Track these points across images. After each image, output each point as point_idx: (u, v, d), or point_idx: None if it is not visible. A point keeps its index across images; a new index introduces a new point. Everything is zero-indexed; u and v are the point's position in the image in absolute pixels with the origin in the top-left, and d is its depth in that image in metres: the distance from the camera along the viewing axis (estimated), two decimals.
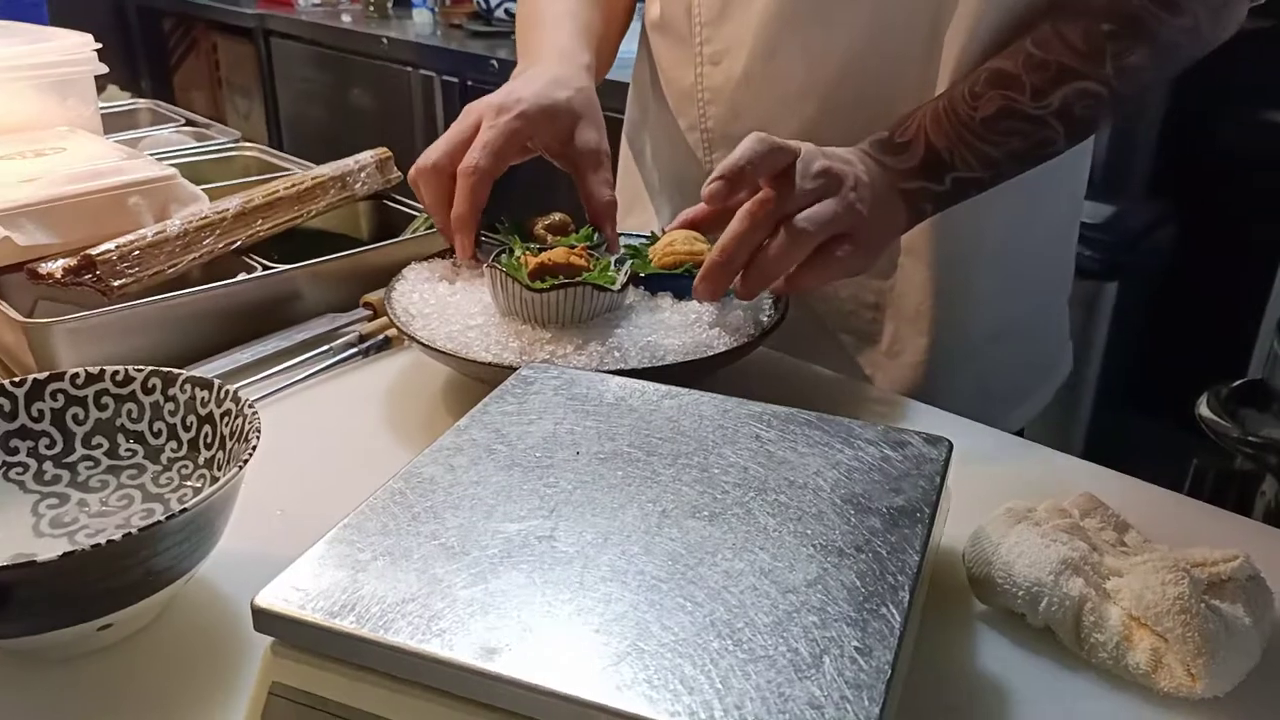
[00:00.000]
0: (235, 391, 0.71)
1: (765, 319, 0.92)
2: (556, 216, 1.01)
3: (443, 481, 0.60)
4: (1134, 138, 2.57)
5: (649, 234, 1.02)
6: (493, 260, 0.90)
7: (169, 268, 1.01)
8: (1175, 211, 2.30)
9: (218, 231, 1.05)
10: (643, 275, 0.93)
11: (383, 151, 1.23)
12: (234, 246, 1.07)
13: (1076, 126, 0.87)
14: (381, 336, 1.01)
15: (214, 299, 1.00)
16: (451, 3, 3.13)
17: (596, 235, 1.03)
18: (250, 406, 0.69)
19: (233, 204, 1.07)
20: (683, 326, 0.88)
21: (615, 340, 0.85)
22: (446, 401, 0.93)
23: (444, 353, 0.85)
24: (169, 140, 1.47)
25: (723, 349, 0.86)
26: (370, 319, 1.05)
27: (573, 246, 0.95)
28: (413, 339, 0.87)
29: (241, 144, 1.43)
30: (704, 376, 0.85)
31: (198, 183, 1.38)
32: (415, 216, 1.20)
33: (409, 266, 1.00)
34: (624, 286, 0.88)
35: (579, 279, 0.87)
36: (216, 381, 0.72)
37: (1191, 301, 2.60)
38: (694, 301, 0.91)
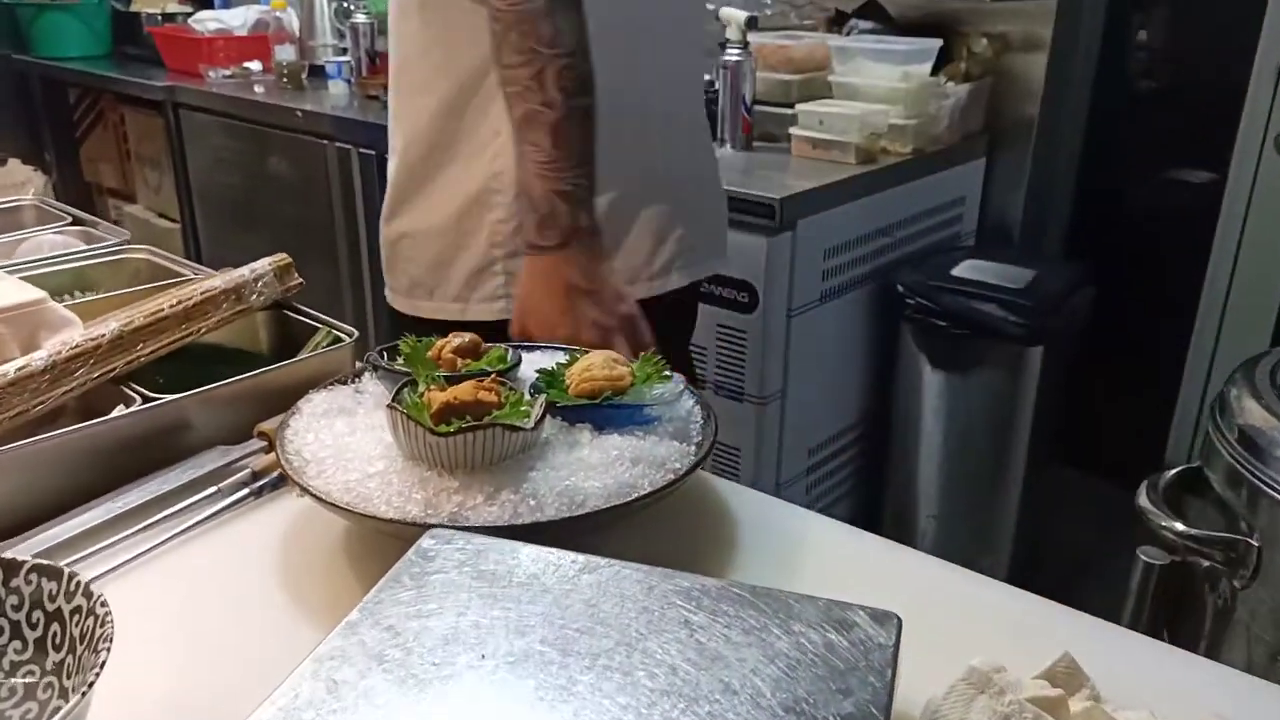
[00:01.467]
0: (87, 585, 0.61)
1: (692, 449, 0.84)
2: (466, 337, 0.93)
3: (323, 707, 0.51)
4: (1049, 201, 2.57)
5: (566, 356, 0.93)
6: (394, 399, 0.81)
7: (34, 406, 0.90)
8: (1093, 273, 2.29)
9: (92, 361, 0.95)
10: (559, 405, 0.85)
11: (281, 259, 1.14)
12: (111, 375, 0.96)
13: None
14: (277, 473, 0.91)
15: (88, 437, 0.89)
16: (368, 74, 3.04)
17: (511, 354, 0.95)
18: (103, 604, 0.59)
19: (110, 328, 0.97)
20: (603, 465, 0.79)
21: (530, 486, 0.76)
22: (348, 551, 0.83)
23: (340, 507, 0.75)
24: (53, 243, 1.36)
25: (647, 489, 0.77)
26: (265, 450, 0.95)
27: (484, 373, 0.87)
28: (306, 490, 0.77)
29: (130, 246, 1.32)
30: (628, 518, 0.77)
31: (84, 288, 1.28)
32: (317, 329, 1.10)
33: (305, 398, 0.91)
34: (538, 423, 0.79)
35: (488, 419, 0.78)
36: (65, 570, 0.62)
37: (1114, 359, 2.59)
38: (615, 434, 0.83)
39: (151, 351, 0.99)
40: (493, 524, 0.73)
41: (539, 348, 1.02)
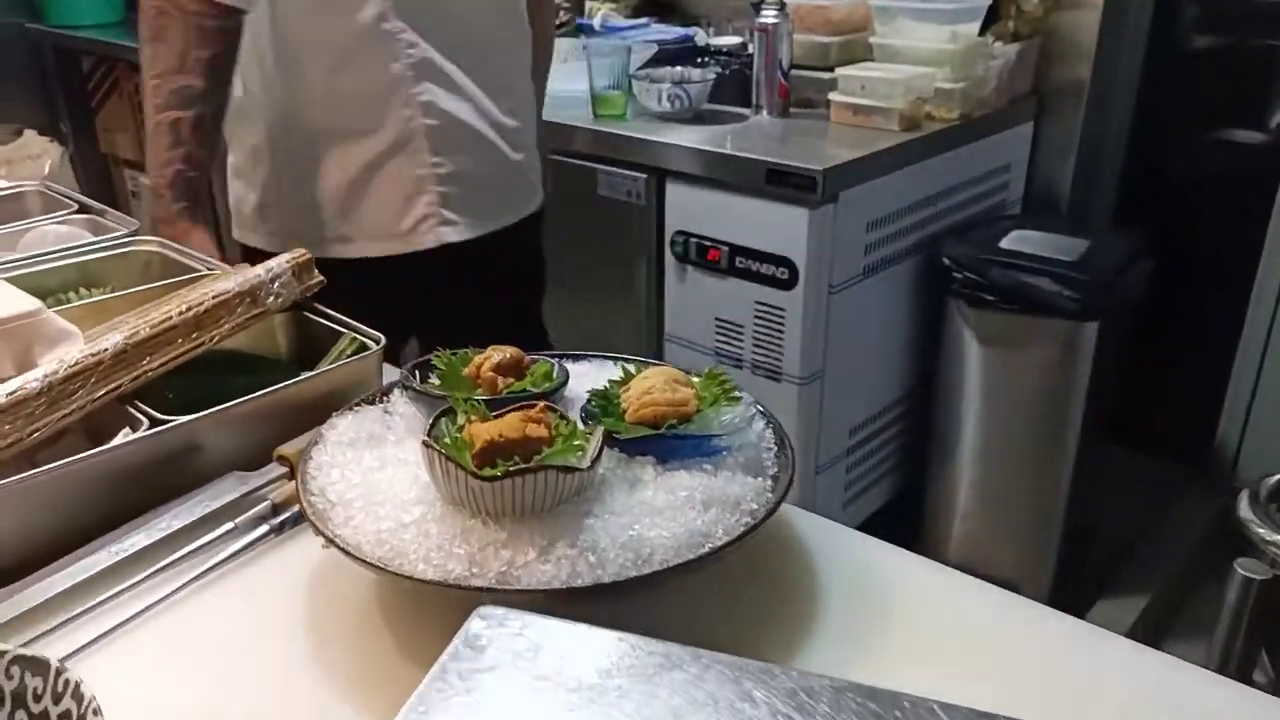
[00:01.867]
0: (77, 686, 0.51)
1: (768, 485, 0.73)
2: (508, 353, 0.81)
3: None
4: (1099, 167, 2.42)
5: (620, 373, 0.82)
6: (428, 433, 0.71)
7: (30, 434, 0.80)
8: (1149, 244, 2.16)
9: (94, 379, 0.84)
10: (618, 436, 0.73)
11: (300, 255, 1.03)
12: (115, 394, 0.86)
13: None
14: (298, 507, 0.80)
15: (90, 468, 0.79)
16: None
17: (556, 369, 0.84)
18: (96, 711, 0.49)
19: (112, 341, 0.86)
20: (671, 509, 0.68)
21: (588, 536, 0.66)
22: (382, 604, 0.73)
23: (374, 565, 0.65)
24: (58, 235, 1.25)
25: (722, 539, 0.67)
26: (287, 477, 0.85)
27: (529, 397, 0.76)
28: (332, 542, 0.67)
29: (139, 238, 1.21)
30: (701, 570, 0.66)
31: (90, 284, 1.17)
32: (341, 334, 1.00)
33: (329, 424, 0.80)
34: (595, 460, 0.68)
35: (538, 460, 0.67)
36: (54, 665, 0.52)
37: (1166, 333, 2.46)
38: (680, 469, 0.72)
39: (160, 365, 0.89)
40: (548, 586, 0.63)
41: (585, 358, 0.90)
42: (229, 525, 0.79)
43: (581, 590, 0.62)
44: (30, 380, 0.81)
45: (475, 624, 0.54)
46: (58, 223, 1.28)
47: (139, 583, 0.74)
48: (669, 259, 2.10)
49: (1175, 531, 2.38)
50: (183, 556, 0.76)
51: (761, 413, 0.80)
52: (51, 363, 0.83)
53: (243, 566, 0.77)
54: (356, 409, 0.82)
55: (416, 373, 0.82)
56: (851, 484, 2.19)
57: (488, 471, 0.65)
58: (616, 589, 0.63)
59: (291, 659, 0.68)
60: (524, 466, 0.65)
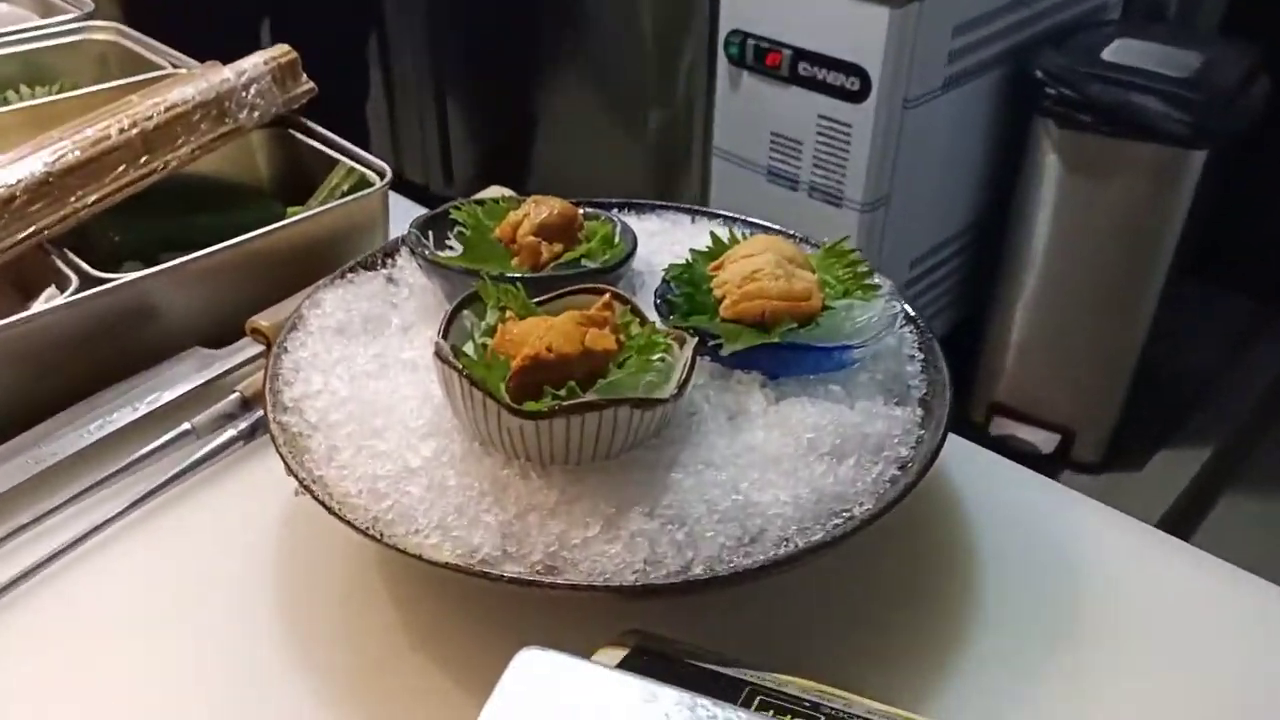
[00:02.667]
0: None
1: (916, 414, 0.51)
2: (554, 208, 0.58)
3: None
4: None
5: (709, 241, 0.59)
6: (444, 332, 0.48)
7: None
8: (1266, 58, 1.84)
9: (3, 220, 0.62)
10: (715, 345, 0.51)
11: (282, 52, 0.78)
12: (36, 239, 0.63)
13: None
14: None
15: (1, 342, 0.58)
16: None
17: (619, 229, 0.60)
18: None
19: (30, 170, 0.63)
20: (790, 457, 0.47)
21: (674, 499, 0.44)
22: (380, 557, 0.52)
23: (366, 532, 0.44)
24: (2, 16, 0.99)
25: (869, 507, 0.46)
26: (263, 355, 0.63)
27: (587, 280, 0.53)
28: (308, 490, 0.46)
29: (93, 23, 0.96)
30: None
31: (33, 80, 0.93)
32: (337, 161, 0.76)
33: (310, 299, 0.58)
34: (683, 387, 0.46)
35: (603, 385, 0.45)
36: None
37: (1271, 163, 2.17)
38: (798, 395, 0.50)
39: (95, 201, 0.66)
40: (617, 579, 0.42)
41: (650, 209, 0.67)
42: (184, 427, 0.58)
43: (668, 588, 0.42)
44: None
45: (513, 683, 0.33)
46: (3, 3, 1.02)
47: (62, 507, 0.54)
48: (721, 61, 1.81)
49: (1249, 378, 2.17)
50: (121, 470, 0.56)
51: (898, 300, 0.57)
52: None
53: (198, 487, 0.57)
54: (351, 277, 0.60)
55: (427, 231, 0.59)
56: None
57: (530, 405, 0.43)
58: (717, 584, 0.42)
59: (256, 627, 0.49)
60: (583, 401, 0.43)
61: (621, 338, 0.49)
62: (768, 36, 1.71)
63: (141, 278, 0.63)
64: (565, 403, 0.43)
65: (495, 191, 0.75)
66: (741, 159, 1.85)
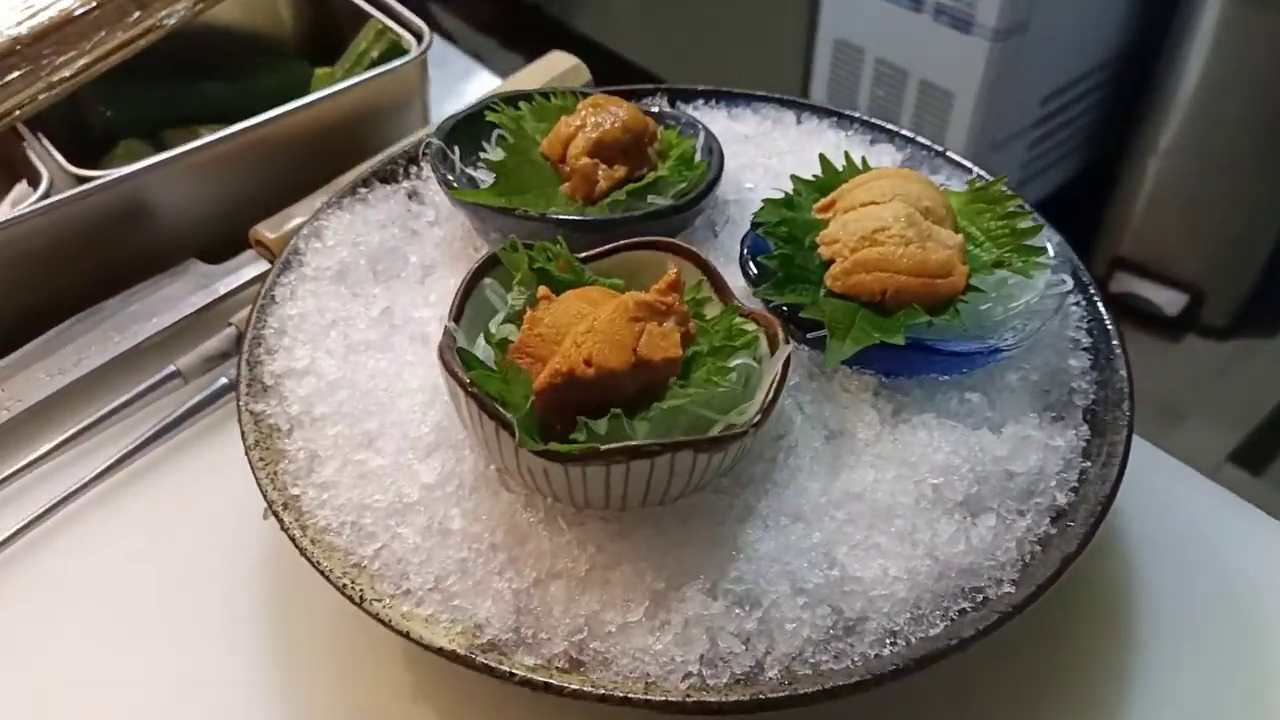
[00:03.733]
0: None
1: (1083, 439, 0.37)
2: (619, 116, 0.43)
3: None
4: None
5: (818, 166, 0.43)
6: (452, 317, 0.35)
7: None
8: None
9: None
10: (811, 335, 0.37)
11: None
12: (6, 122, 0.51)
13: None
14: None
15: None
16: None
17: (702, 142, 0.46)
18: None
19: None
20: (909, 508, 0.34)
21: (746, 572, 0.32)
22: None
23: (343, 591, 0.33)
24: None
25: (1007, 600, 0.33)
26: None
27: (651, 226, 0.39)
28: (278, 518, 0.35)
29: None
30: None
31: None
32: (369, 17, 0.61)
33: (311, 228, 0.45)
34: (767, 409, 0.33)
35: (656, 422, 0.32)
36: None
37: None
38: (927, 413, 0.36)
39: (77, 72, 0.53)
40: (662, 692, 0.31)
41: (746, 101, 0.51)
42: (169, 369, 0.47)
43: (726, 706, 0.30)
44: None
45: None
46: None
47: (24, 470, 0.44)
48: None
49: None
50: (93, 424, 0.46)
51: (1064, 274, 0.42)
52: None
53: (186, 445, 0.46)
54: (363, 193, 0.47)
55: (453, 141, 0.45)
56: (1031, 162, 1.75)
57: (556, 447, 0.31)
58: (797, 702, 0.30)
59: (230, 636, 0.39)
60: (627, 447, 0.31)
61: (692, 326, 0.35)
62: None
63: (129, 174, 0.51)
64: (604, 447, 0.31)
65: (554, 64, 0.60)
66: None
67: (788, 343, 0.34)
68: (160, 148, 0.58)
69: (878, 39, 1.63)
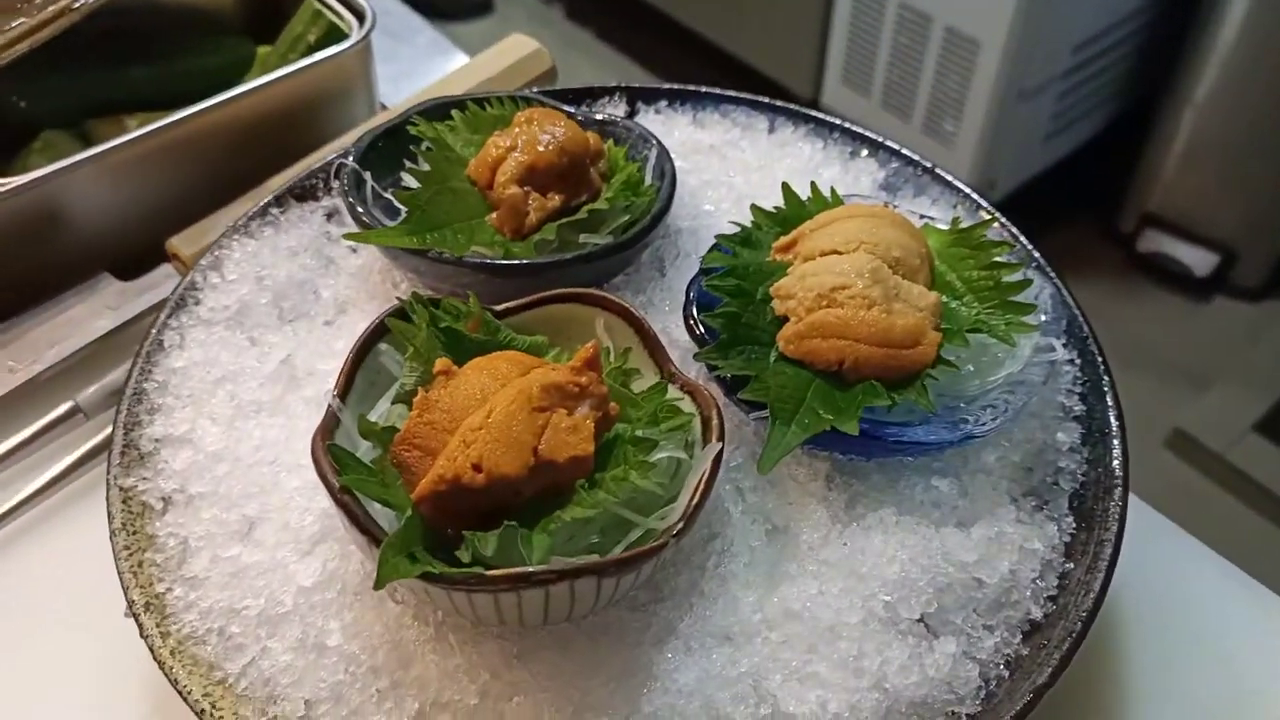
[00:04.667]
0: None
1: (1067, 532, 0.32)
2: (555, 135, 0.37)
3: None
4: None
5: (781, 197, 0.38)
6: (337, 393, 0.30)
7: None
8: None
9: None
10: (755, 416, 0.32)
11: None
12: None
13: None
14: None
15: None
16: None
17: (652, 161, 0.40)
18: None
19: None
20: (856, 629, 0.29)
21: (661, 707, 0.28)
22: None
23: (200, 716, 0.29)
24: None
25: None
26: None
27: (607, 253, 0.34)
28: (138, 622, 0.30)
29: None
30: None
31: None
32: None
33: (212, 258, 0.40)
34: (692, 514, 0.28)
35: (556, 537, 0.27)
36: None
37: None
38: (885, 507, 0.31)
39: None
40: None
41: (714, 103, 0.45)
42: (67, 405, 0.43)
43: None
44: None
45: None
46: None
47: None
48: None
49: None
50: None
51: (1059, 312, 0.36)
52: None
53: (82, 493, 0.42)
54: (276, 213, 0.41)
55: (371, 154, 0.39)
56: (1061, 114, 1.66)
57: (432, 568, 0.26)
58: None
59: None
60: (514, 574, 0.26)
61: (613, 407, 0.30)
62: None
63: (37, 179, 0.45)
64: (488, 573, 0.26)
65: (514, 48, 0.54)
66: None
67: (721, 439, 0.29)
68: (84, 139, 0.53)
69: None
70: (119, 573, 0.31)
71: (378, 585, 0.25)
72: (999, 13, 1.46)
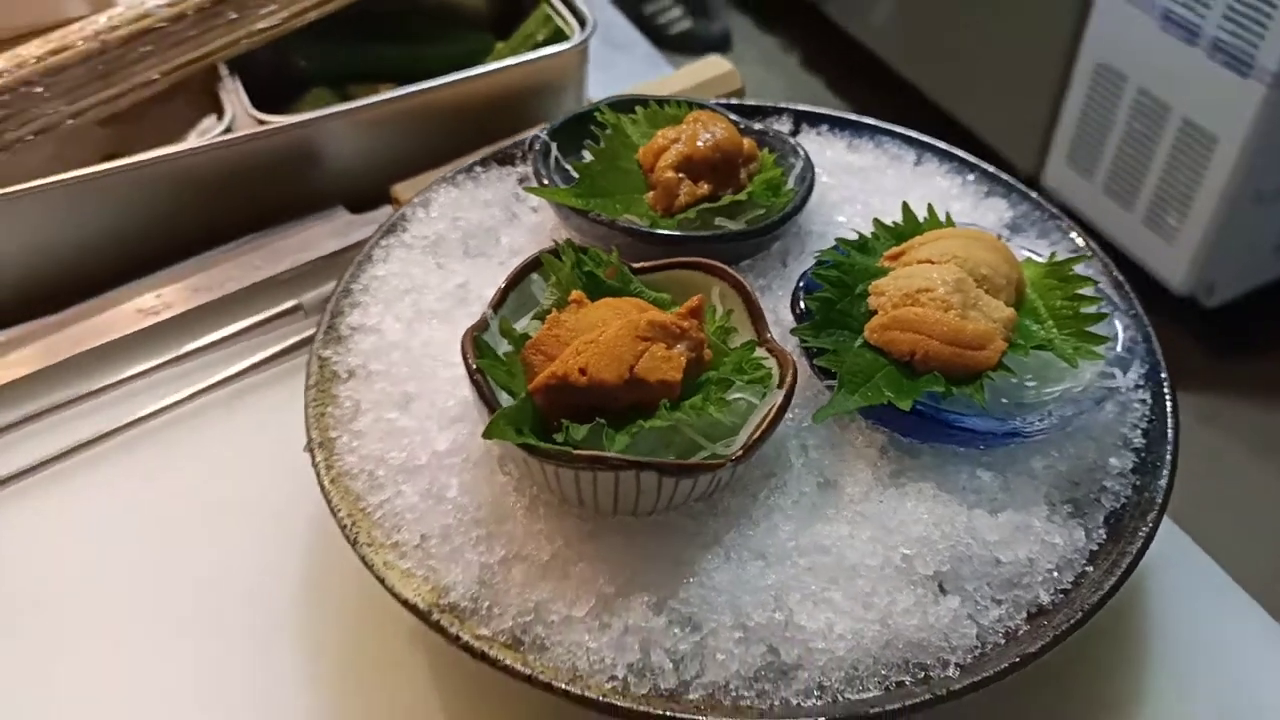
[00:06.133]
0: None
1: (1095, 538, 0.36)
2: (715, 133, 0.45)
3: None
4: None
5: (901, 215, 0.43)
6: (492, 306, 0.38)
7: (69, 115, 0.56)
8: None
9: (170, 41, 0.57)
10: (826, 383, 0.38)
11: None
12: (200, 64, 0.59)
13: None
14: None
15: (145, 177, 0.55)
16: None
17: (797, 170, 0.47)
18: None
19: None
20: (874, 571, 0.34)
21: (695, 595, 0.34)
22: None
23: (344, 530, 0.37)
24: None
25: (945, 682, 0.33)
26: None
27: (704, 249, 0.41)
28: (312, 455, 0.39)
29: None
30: None
31: None
32: (540, 2, 0.65)
33: (420, 198, 0.49)
34: (749, 449, 0.34)
35: (636, 439, 0.34)
36: None
37: None
38: (928, 480, 0.36)
39: (269, 27, 0.60)
40: (582, 687, 0.33)
41: (870, 133, 0.51)
42: (292, 303, 0.54)
43: (636, 715, 0.32)
44: (77, 35, 0.55)
45: None
46: None
47: (154, 370, 0.51)
48: None
49: None
50: (224, 340, 0.53)
51: (1133, 348, 0.40)
52: (120, 8, 0.57)
53: (289, 376, 0.52)
54: (479, 171, 0.51)
55: (554, 146, 0.48)
56: None
57: (536, 441, 0.34)
58: None
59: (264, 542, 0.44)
60: (593, 456, 0.33)
61: (708, 354, 0.37)
62: None
63: (299, 123, 0.57)
64: (569, 449, 0.33)
65: (708, 68, 0.62)
66: None
67: (788, 391, 0.35)
68: (345, 99, 0.64)
69: (1144, 67, 1.52)
70: (305, 419, 0.40)
71: (486, 435, 0.33)
72: (1242, 110, 1.42)
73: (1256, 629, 0.42)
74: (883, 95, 1.97)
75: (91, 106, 0.56)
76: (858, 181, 0.49)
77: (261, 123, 0.57)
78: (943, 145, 0.51)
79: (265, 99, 0.58)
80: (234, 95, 0.58)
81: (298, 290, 0.54)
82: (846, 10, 2.06)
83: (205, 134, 0.57)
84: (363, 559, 0.36)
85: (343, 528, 0.37)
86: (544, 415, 0.35)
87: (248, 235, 0.57)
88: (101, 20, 0.56)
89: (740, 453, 0.34)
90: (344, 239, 0.57)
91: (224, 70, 0.60)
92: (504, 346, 0.38)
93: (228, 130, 0.56)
